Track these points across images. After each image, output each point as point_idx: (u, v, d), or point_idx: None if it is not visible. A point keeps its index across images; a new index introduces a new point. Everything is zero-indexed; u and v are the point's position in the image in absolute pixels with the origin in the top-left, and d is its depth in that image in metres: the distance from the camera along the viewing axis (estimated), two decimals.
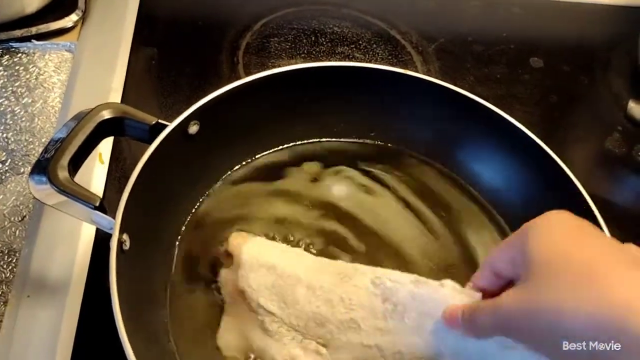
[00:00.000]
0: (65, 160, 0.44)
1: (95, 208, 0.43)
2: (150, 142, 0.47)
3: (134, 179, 0.44)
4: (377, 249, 0.52)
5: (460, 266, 0.52)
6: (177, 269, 0.48)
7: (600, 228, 0.48)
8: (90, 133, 0.46)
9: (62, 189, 0.43)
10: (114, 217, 0.43)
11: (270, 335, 0.45)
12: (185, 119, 0.49)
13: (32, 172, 0.45)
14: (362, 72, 0.56)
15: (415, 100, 0.57)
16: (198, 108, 0.49)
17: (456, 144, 0.57)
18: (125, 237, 0.43)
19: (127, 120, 0.48)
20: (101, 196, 0.54)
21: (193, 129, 0.50)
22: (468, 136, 0.57)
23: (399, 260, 0.51)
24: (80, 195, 0.43)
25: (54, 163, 0.43)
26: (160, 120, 0.48)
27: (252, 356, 0.45)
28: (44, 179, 0.43)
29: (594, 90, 0.76)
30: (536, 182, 0.54)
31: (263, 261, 0.48)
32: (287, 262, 0.48)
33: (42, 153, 0.45)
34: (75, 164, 0.45)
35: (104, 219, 0.43)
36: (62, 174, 0.43)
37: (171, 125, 0.48)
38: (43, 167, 0.44)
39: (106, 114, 0.47)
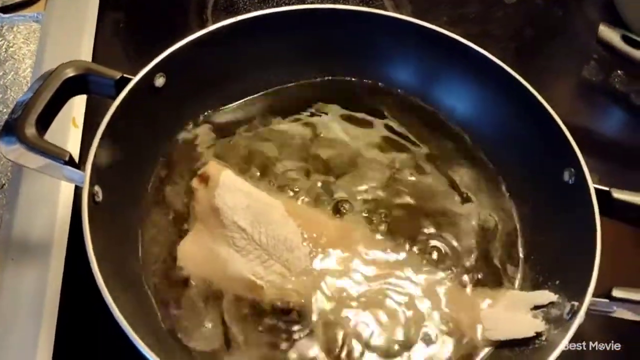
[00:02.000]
0: (32, 118, 0.44)
1: (66, 163, 0.43)
2: (117, 97, 0.48)
3: (101, 131, 0.44)
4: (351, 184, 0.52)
5: (439, 194, 0.53)
6: (149, 216, 0.49)
7: (576, 156, 0.48)
8: (55, 91, 0.46)
9: (31, 146, 0.43)
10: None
11: (237, 250, 0.46)
12: (150, 70, 0.49)
13: (0, 134, 0.45)
14: (335, 14, 0.55)
15: (389, 39, 0.57)
16: (162, 60, 0.49)
17: (433, 80, 0.57)
18: (97, 188, 0.43)
19: (92, 77, 0.48)
20: (77, 160, 0.54)
21: (159, 81, 0.50)
22: (443, 71, 0.57)
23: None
24: (49, 151, 0.43)
25: (21, 122, 0.43)
26: (125, 75, 0.48)
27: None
28: (13, 138, 0.43)
29: (569, 22, 0.75)
30: (509, 111, 0.54)
31: (240, 186, 0.50)
32: (264, 194, 0.50)
33: (9, 114, 0.45)
34: (44, 123, 0.45)
35: (75, 173, 0.44)
36: (30, 131, 0.43)
37: (135, 78, 0.48)
38: (11, 127, 0.44)
39: (70, 72, 0.47)
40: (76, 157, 0.54)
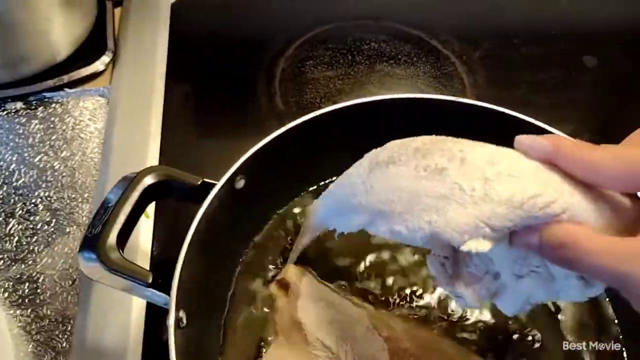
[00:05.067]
0: (113, 236, 0.42)
1: (149, 285, 0.41)
2: (196, 201, 0.45)
3: (185, 249, 0.42)
4: None
5: None
6: (231, 327, 0.47)
7: None
8: (135, 202, 0.44)
9: (113, 269, 0.41)
10: (165, 289, 0.41)
11: None
12: (232, 175, 0.46)
13: (81, 249, 0.43)
14: (408, 102, 0.52)
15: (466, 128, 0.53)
16: (243, 162, 0.47)
17: None
18: (181, 314, 0.41)
19: (173, 183, 0.46)
20: (149, 253, 0.53)
21: (239, 183, 0.47)
22: None
23: None
24: (132, 274, 0.41)
25: (103, 240, 0.41)
26: (206, 180, 0.46)
27: None
28: (93, 256, 0.41)
29: None
30: None
31: (323, 294, 0.47)
32: (348, 303, 0.47)
33: (88, 228, 0.43)
34: (123, 237, 0.43)
35: (157, 296, 0.41)
36: (112, 252, 0.41)
37: (219, 184, 0.45)
38: (91, 245, 0.42)
39: (150, 179, 0.45)
40: (148, 250, 0.53)
